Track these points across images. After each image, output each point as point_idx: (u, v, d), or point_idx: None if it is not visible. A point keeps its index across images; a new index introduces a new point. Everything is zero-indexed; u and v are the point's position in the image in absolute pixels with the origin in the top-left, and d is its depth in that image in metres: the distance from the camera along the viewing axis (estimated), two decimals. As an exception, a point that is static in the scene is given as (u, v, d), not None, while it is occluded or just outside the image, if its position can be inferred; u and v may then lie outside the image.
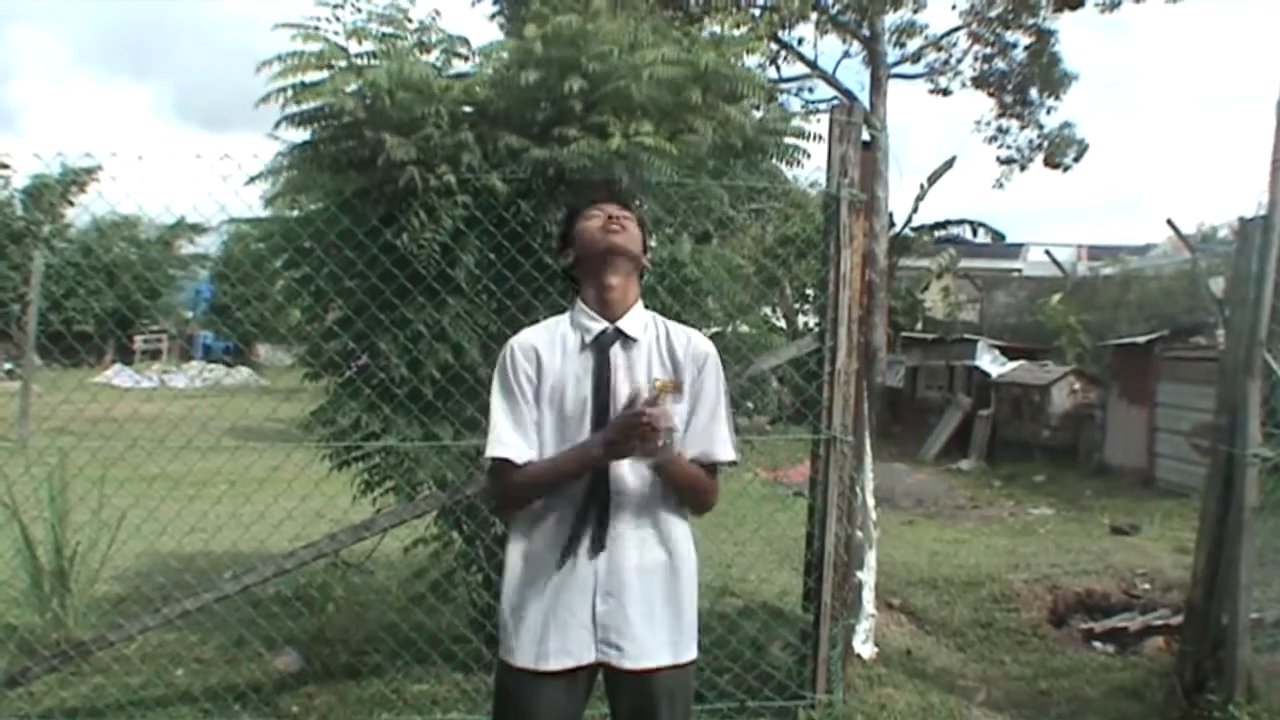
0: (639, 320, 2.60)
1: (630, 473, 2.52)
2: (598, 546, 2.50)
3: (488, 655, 4.62)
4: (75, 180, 29.45)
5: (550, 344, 2.57)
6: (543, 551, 2.53)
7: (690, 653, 2.59)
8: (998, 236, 22.46)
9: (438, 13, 4.65)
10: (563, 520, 2.52)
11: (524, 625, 2.51)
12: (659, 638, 2.53)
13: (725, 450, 2.60)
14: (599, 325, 2.56)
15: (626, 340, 2.56)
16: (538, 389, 2.54)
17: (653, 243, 2.96)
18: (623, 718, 2.58)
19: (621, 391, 2.49)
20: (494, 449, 2.51)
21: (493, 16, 16.57)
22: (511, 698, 2.56)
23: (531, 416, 2.53)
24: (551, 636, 2.49)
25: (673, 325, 2.66)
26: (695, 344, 2.62)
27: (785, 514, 6.31)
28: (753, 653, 4.80)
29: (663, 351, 2.59)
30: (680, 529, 2.60)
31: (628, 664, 2.50)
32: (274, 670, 4.91)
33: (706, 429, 2.58)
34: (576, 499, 2.51)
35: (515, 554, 2.57)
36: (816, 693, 4.48)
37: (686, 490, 2.57)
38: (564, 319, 2.63)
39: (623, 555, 2.51)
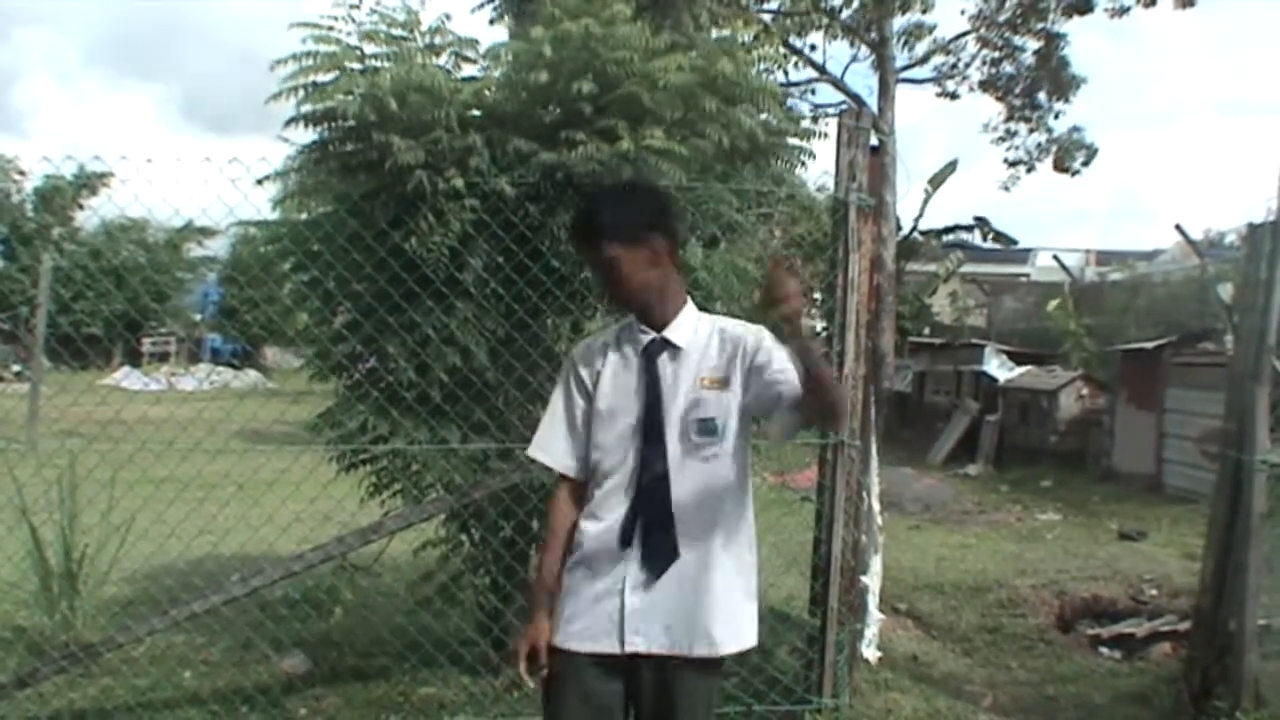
0: (687, 325, 2.64)
1: (685, 478, 2.55)
2: (631, 540, 2.54)
3: (495, 658, 4.63)
4: (86, 184, 29.61)
5: (611, 350, 2.66)
6: (592, 539, 2.58)
7: (725, 647, 2.59)
8: (1008, 240, 22.46)
9: (448, 16, 4.67)
10: (615, 512, 2.56)
11: (563, 604, 2.60)
12: (688, 631, 2.54)
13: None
14: (647, 336, 2.62)
15: (673, 349, 2.61)
16: (594, 390, 2.63)
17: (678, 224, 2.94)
18: (648, 708, 2.58)
19: (669, 401, 2.57)
20: (532, 449, 2.73)
21: (493, 21, 16.55)
22: (550, 674, 2.61)
23: (581, 418, 2.64)
24: (579, 619, 2.56)
25: (725, 324, 2.68)
26: (738, 333, 2.63)
27: (792, 518, 6.28)
28: (759, 656, 4.78)
29: (713, 354, 2.62)
30: (731, 531, 2.61)
31: (652, 650, 2.53)
32: (281, 673, 4.92)
33: (786, 364, 2.54)
34: (630, 496, 2.55)
35: (577, 537, 2.63)
36: (823, 697, 4.48)
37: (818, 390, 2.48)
38: (621, 328, 2.71)
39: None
